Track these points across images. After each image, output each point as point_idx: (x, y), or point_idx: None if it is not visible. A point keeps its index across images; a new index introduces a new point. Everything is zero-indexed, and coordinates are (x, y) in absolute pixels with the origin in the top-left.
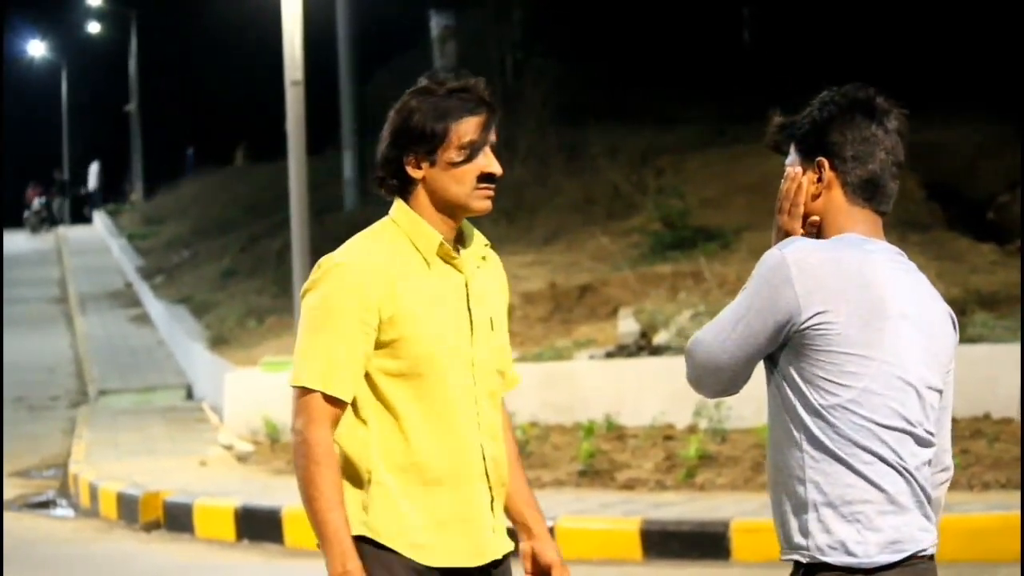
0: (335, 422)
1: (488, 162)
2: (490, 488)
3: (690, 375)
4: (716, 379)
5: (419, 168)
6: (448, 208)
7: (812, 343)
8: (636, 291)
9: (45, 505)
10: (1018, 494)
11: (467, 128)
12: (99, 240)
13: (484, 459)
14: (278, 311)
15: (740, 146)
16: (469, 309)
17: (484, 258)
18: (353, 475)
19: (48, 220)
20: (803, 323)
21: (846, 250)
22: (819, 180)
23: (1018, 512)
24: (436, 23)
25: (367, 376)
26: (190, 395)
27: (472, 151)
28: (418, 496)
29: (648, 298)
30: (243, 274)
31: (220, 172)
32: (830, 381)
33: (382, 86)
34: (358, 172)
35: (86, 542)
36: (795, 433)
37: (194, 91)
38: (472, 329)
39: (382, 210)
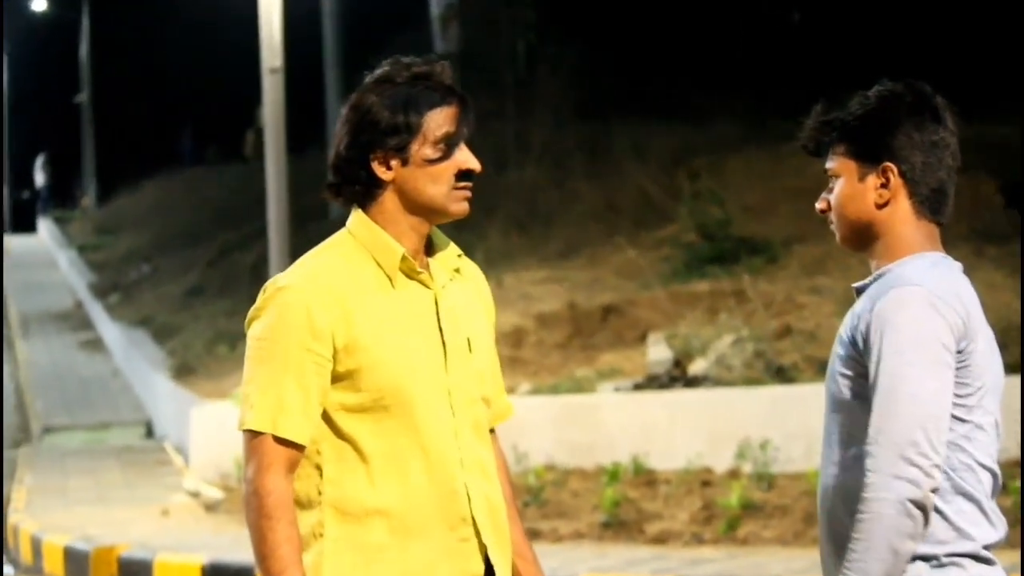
0: (291, 468)
1: (467, 158)
2: (477, 533)
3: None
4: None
5: (388, 168)
6: (422, 212)
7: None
8: (668, 312)
9: None
10: None
11: (440, 119)
12: (44, 252)
13: (469, 500)
14: None
15: (788, 144)
16: (440, 330)
17: (457, 270)
18: (302, 531)
19: None
20: (955, 354)
21: (954, 273)
22: (883, 187)
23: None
24: (437, 2)
25: (325, 414)
26: (150, 433)
27: (449, 146)
28: (384, 549)
29: (682, 321)
30: (212, 292)
31: (188, 172)
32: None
33: None
34: None
35: None
36: None
37: (156, 79)
38: (445, 353)
39: None
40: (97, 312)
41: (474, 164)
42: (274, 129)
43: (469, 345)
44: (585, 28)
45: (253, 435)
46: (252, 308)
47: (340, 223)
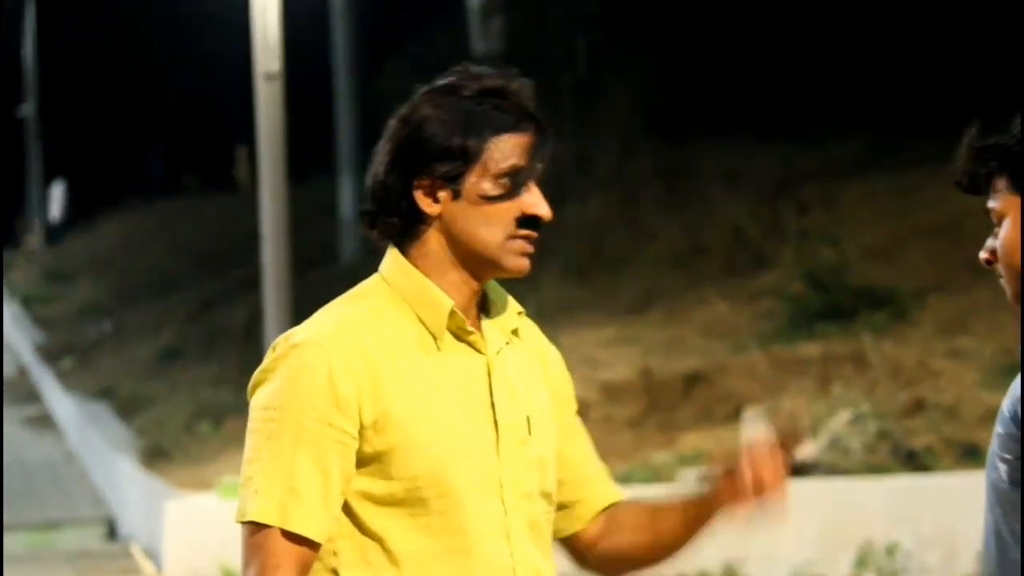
0: (302, 571)
1: (535, 201)
2: None
3: None
4: None
5: (435, 200)
6: (469, 261)
7: None
8: (768, 382)
9: None
10: None
11: (508, 149)
12: None
13: None
14: (243, 410)
15: (922, 171)
16: (493, 405)
17: (515, 332)
18: None
19: None
20: None
21: None
22: None
23: None
24: None
25: (345, 505)
26: (113, 533)
27: (514, 182)
28: None
29: (786, 392)
30: (192, 356)
31: (161, 203)
32: None
33: (396, 83)
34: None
35: None
36: None
37: (120, 87)
38: (498, 434)
39: None
40: (46, 381)
41: (543, 210)
42: (271, 150)
43: (528, 426)
44: (662, 23)
45: (256, 529)
46: (258, 370)
47: (354, 269)
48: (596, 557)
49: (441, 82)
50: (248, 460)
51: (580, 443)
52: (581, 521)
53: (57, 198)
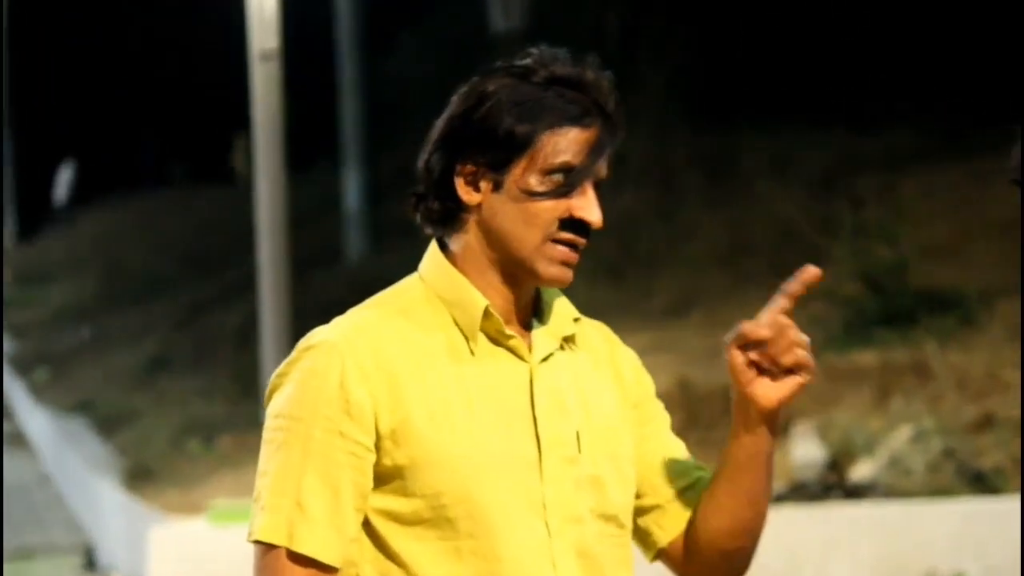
0: None
1: (584, 204)
2: None
3: None
4: None
5: (476, 189)
6: (506, 261)
7: None
8: (820, 395)
9: None
10: None
11: (564, 143)
12: None
13: None
14: (237, 426)
15: (990, 160)
16: (534, 417)
17: (570, 339)
18: None
19: None
20: None
21: None
22: None
23: None
24: None
25: (367, 525)
26: (91, 563)
27: (567, 180)
28: None
29: (841, 406)
30: (180, 366)
31: (146, 197)
32: None
33: (408, 62)
34: (368, 200)
35: None
36: None
37: (101, 66)
38: (540, 450)
39: (408, 260)
40: (17, 394)
41: (592, 215)
42: (267, 136)
43: (578, 442)
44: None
45: (265, 549)
46: (274, 374)
47: (362, 269)
48: (696, 565)
49: (514, 63)
50: (258, 473)
51: (659, 447)
52: (671, 531)
53: (64, 182)
